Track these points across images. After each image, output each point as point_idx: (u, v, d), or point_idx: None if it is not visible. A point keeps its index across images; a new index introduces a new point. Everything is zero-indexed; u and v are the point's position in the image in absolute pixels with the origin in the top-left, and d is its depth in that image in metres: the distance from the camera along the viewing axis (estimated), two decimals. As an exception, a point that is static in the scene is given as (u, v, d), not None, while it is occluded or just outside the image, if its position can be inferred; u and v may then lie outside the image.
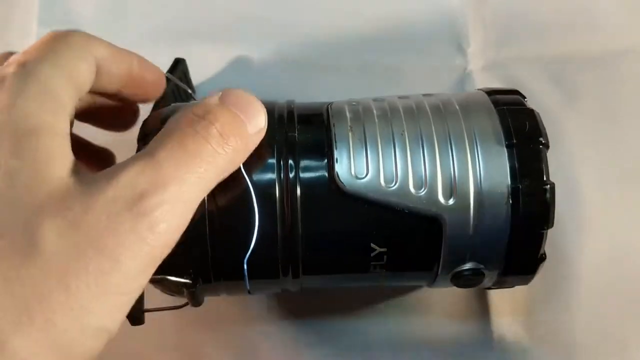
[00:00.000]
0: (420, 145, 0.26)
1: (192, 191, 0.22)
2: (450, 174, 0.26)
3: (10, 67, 0.24)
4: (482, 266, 0.27)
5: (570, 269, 0.34)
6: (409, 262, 0.27)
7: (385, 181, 0.26)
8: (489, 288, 0.29)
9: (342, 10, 0.41)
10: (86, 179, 0.21)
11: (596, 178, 0.36)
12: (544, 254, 0.27)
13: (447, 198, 0.26)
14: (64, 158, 0.22)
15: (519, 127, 0.26)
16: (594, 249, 0.35)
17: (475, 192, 0.26)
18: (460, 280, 0.27)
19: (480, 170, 0.26)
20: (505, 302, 0.34)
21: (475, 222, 0.26)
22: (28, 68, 0.23)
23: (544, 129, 0.26)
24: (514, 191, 0.25)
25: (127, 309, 0.21)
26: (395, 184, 0.26)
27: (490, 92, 0.29)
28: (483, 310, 0.34)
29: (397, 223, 0.26)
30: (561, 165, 0.36)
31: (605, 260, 0.34)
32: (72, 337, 0.20)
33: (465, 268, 0.27)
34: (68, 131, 0.23)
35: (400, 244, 0.27)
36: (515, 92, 0.29)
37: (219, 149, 0.22)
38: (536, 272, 0.27)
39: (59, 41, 0.25)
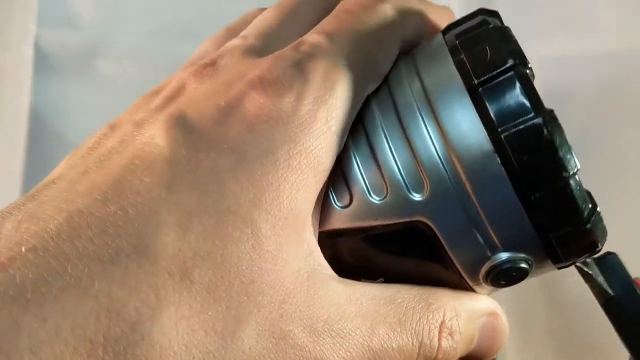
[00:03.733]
0: (364, 137, 0.20)
1: None
2: (410, 156, 0.19)
3: (309, 49, 0.20)
4: (518, 254, 0.19)
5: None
6: (420, 281, 0.21)
7: (339, 201, 0.20)
8: (561, 268, 0.21)
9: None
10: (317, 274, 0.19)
11: (595, 178, 0.36)
12: (589, 201, 0.19)
13: (420, 190, 0.19)
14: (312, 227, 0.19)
15: (478, 59, 0.19)
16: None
17: (450, 167, 0.19)
18: (499, 279, 0.20)
19: (445, 135, 0.19)
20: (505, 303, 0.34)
21: (468, 204, 0.19)
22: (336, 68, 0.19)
23: (517, 46, 0.19)
24: (497, 144, 0.18)
25: None
26: (351, 201, 0.20)
27: (447, 28, 0.22)
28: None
29: (375, 248, 0.21)
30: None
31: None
32: None
33: (494, 264, 0.19)
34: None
35: (395, 271, 0.21)
36: (481, 11, 0.21)
37: None
38: (592, 226, 0.19)
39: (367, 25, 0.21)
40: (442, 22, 0.23)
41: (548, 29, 0.40)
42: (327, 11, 0.22)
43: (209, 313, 0.16)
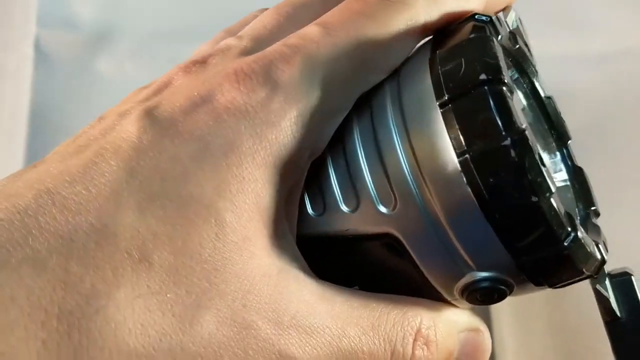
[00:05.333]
0: (341, 146, 0.20)
1: None
2: (380, 170, 0.19)
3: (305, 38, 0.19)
4: (495, 274, 0.19)
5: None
6: (396, 292, 0.21)
7: (313, 208, 0.20)
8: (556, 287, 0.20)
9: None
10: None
11: (594, 179, 0.36)
12: (569, 225, 0.18)
13: (388, 205, 0.19)
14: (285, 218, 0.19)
15: (452, 73, 0.18)
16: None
17: (417, 184, 0.18)
18: (475, 297, 0.20)
19: (414, 152, 0.18)
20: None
21: (437, 222, 0.18)
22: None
23: (495, 59, 0.18)
24: (463, 164, 0.17)
25: None
26: (324, 209, 0.20)
27: (437, 33, 0.21)
28: (484, 311, 0.34)
29: (349, 256, 0.20)
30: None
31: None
32: None
33: (469, 282, 0.19)
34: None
35: (370, 280, 0.21)
36: (472, 17, 0.20)
37: None
38: (570, 252, 0.18)
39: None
40: (494, 5, 0.21)
41: (548, 29, 0.40)
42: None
43: (168, 295, 0.16)
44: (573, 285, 0.22)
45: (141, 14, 0.41)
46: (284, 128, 0.18)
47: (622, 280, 0.22)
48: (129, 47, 0.37)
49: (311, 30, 0.19)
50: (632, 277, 0.22)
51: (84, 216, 0.16)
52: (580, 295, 0.34)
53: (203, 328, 0.17)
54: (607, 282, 0.22)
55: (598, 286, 0.22)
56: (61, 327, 0.15)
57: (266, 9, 0.24)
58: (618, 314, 0.22)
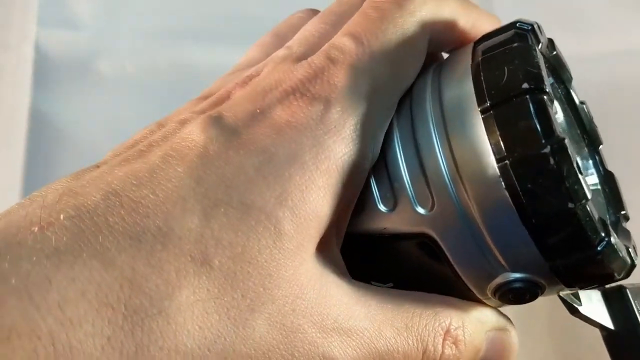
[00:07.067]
0: (381, 149, 0.20)
1: None
2: (419, 171, 0.19)
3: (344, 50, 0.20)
4: (527, 275, 0.19)
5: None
6: (429, 290, 0.21)
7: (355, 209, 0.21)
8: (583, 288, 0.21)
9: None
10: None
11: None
12: (603, 231, 0.18)
13: (425, 206, 0.19)
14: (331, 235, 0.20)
15: (494, 80, 0.19)
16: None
17: (456, 187, 0.19)
18: (507, 297, 0.20)
19: (453, 155, 0.19)
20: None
21: (473, 224, 0.19)
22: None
23: (538, 68, 0.19)
24: (503, 169, 0.18)
25: None
26: (362, 209, 0.20)
27: (480, 39, 0.21)
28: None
29: (384, 254, 0.21)
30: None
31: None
32: None
33: (502, 282, 0.19)
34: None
35: (404, 278, 0.21)
36: (515, 24, 0.21)
37: None
38: (603, 257, 0.18)
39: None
40: (481, 27, 0.23)
41: (548, 29, 0.40)
42: None
43: (225, 299, 0.17)
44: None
45: (141, 14, 0.41)
46: (346, 136, 0.19)
47: (617, 292, 0.22)
48: (129, 47, 0.37)
49: (342, 41, 0.20)
50: (627, 290, 0.22)
51: (151, 219, 0.17)
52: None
53: (255, 331, 0.17)
54: (600, 295, 0.22)
55: (572, 302, 0.22)
56: (126, 325, 0.16)
57: (310, 10, 0.24)
58: (611, 327, 0.22)
